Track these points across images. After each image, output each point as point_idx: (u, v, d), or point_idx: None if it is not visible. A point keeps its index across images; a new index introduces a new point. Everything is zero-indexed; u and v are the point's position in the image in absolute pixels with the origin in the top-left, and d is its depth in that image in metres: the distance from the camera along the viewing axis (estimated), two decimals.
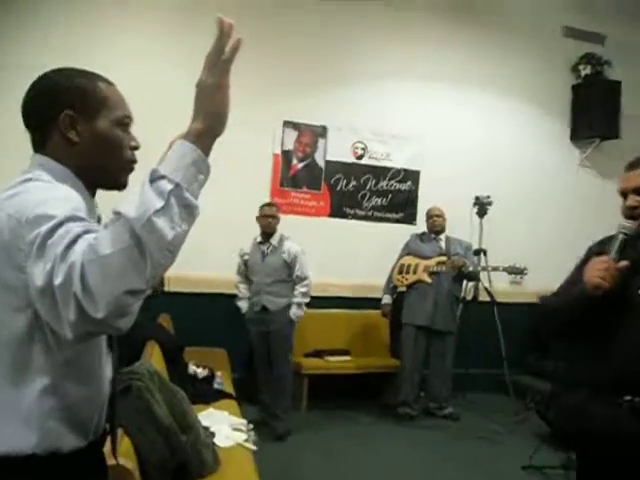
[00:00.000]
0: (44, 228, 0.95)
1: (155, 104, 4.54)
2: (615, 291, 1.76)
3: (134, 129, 1.28)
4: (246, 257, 4.58)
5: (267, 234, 4.50)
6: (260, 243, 4.55)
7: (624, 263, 1.77)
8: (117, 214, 0.92)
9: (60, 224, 0.96)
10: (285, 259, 4.46)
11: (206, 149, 1.00)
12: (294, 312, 4.45)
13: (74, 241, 0.93)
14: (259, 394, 4.65)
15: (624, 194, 1.87)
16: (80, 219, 0.99)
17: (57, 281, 0.91)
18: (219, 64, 1.00)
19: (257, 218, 4.55)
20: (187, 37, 5.06)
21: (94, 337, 1.11)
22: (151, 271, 0.92)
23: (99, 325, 0.91)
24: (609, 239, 1.89)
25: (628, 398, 1.72)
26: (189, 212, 0.96)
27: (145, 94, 4.12)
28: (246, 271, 4.60)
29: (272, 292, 4.45)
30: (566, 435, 2.05)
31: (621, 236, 1.82)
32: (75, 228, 0.95)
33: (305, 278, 4.48)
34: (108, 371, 1.26)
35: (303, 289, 4.47)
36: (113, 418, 1.33)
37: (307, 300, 4.52)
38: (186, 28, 5.13)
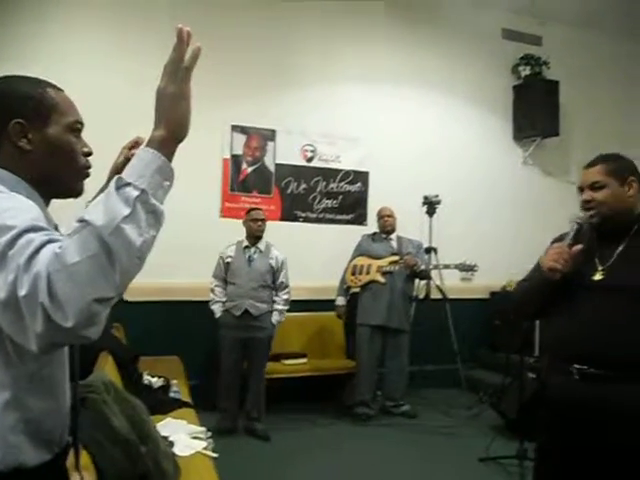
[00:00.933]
0: (3, 239, 0.93)
1: (104, 111, 4.44)
2: (571, 275, 1.97)
3: (85, 136, 1.26)
4: (228, 260, 4.55)
5: (256, 238, 4.54)
6: (246, 247, 4.56)
7: (577, 247, 1.97)
8: (83, 222, 0.91)
9: (20, 234, 0.93)
10: (272, 265, 4.52)
11: (169, 155, 1.01)
12: (277, 318, 4.52)
13: (37, 251, 0.91)
14: (220, 401, 4.56)
15: (581, 189, 2.07)
16: (41, 229, 0.97)
17: (22, 292, 0.88)
18: (179, 72, 1.01)
19: (244, 222, 4.60)
20: (135, 44, 5.02)
21: (59, 348, 1.10)
22: (120, 278, 0.91)
23: (68, 335, 0.90)
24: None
25: (577, 367, 1.93)
26: (156, 218, 0.97)
27: (94, 101, 4.03)
28: (225, 274, 4.56)
29: (255, 297, 4.46)
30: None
31: (575, 225, 2.03)
32: (37, 238, 0.93)
33: (287, 285, 4.58)
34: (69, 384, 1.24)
35: (285, 296, 4.56)
36: (75, 430, 1.30)
37: (287, 307, 4.60)
38: (135, 34, 5.08)
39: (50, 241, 0.93)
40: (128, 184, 0.94)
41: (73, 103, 1.24)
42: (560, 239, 2.11)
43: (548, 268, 1.96)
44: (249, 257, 4.54)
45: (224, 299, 4.54)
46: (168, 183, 1.00)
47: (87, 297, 0.88)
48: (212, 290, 4.60)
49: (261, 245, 4.57)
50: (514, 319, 4.50)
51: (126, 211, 0.92)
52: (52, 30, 4.93)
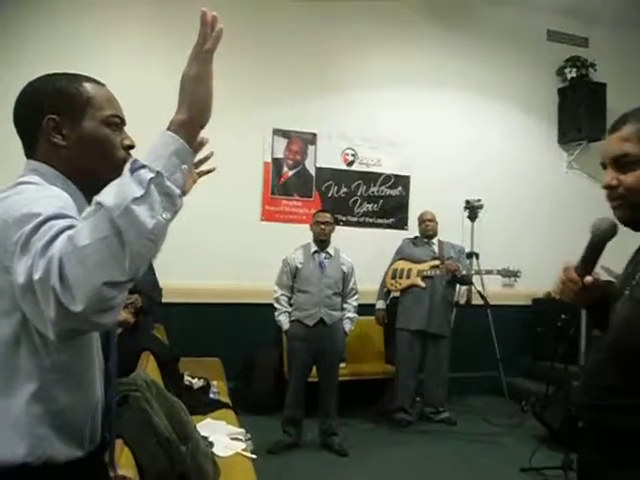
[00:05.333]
0: (29, 226, 0.94)
1: (145, 107, 4.50)
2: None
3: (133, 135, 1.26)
4: (299, 266, 4.31)
5: (321, 242, 4.35)
6: (315, 252, 4.37)
7: (588, 279, 1.43)
8: (96, 204, 0.92)
9: (45, 221, 0.95)
10: (344, 270, 4.37)
11: (190, 138, 1.01)
12: (349, 327, 4.35)
13: (56, 236, 0.92)
14: (287, 415, 4.31)
15: (604, 166, 1.41)
16: (65, 216, 0.98)
17: (36, 276, 0.89)
18: (200, 54, 1.02)
19: (311, 226, 4.44)
20: (175, 41, 5.03)
21: (76, 335, 1.06)
22: (131, 261, 0.90)
23: (79, 320, 0.89)
24: None
25: None
26: (171, 201, 0.96)
27: (134, 97, 4.10)
28: (292, 281, 4.35)
29: (330, 305, 4.26)
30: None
31: (591, 237, 1.46)
32: (59, 224, 0.94)
33: (357, 292, 4.45)
34: (101, 378, 1.23)
35: (355, 303, 4.41)
36: (110, 427, 1.29)
37: (356, 314, 4.44)
38: (174, 32, 5.08)
39: (70, 227, 0.93)
40: (143, 166, 0.94)
41: (112, 97, 1.24)
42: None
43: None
44: (320, 263, 4.31)
45: (290, 309, 4.32)
46: (186, 166, 0.99)
47: (96, 280, 0.87)
48: (277, 300, 4.33)
49: (330, 250, 4.37)
50: None
51: (138, 192, 0.91)
52: (89, 28, 5.00)
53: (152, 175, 0.93)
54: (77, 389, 1.14)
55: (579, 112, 6.27)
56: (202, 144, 1.23)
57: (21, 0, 4.87)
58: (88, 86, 1.20)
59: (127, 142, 1.23)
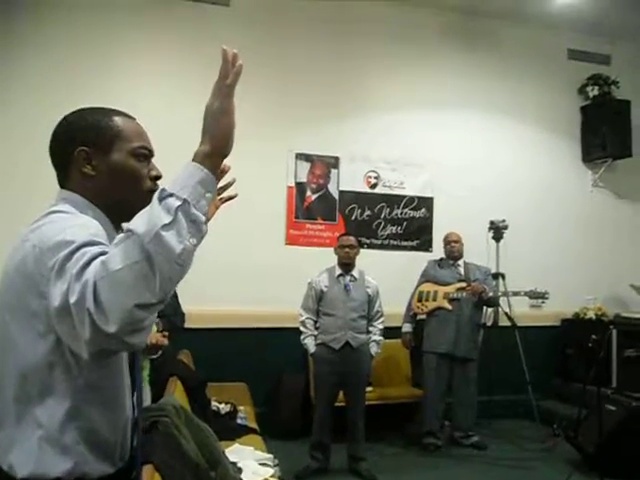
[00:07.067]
0: (63, 253, 1.01)
1: (173, 138, 4.57)
2: None
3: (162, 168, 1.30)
4: (324, 289, 4.32)
5: (345, 265, 4.35)
6: (340, 275, 4.37)
7: None
8: (127, 231, 0.97)
9: (78, 248, 1.01)
10: (369, 293, 4.35)
11: (213, 169, 1.06)
12: (375, 350, 4.32)
13: (89, 262, 0.98)
14: (314, 442, 4.28)
15: None
16: (97, 243, 1.04)
17: (72, 299, 0.95)
18: (223, 89, 1.07)
19: (335, 249, 4.45)
20: (203, 74, 5.15)
21: (109, 356, 1.14)
22: (160, 284, 0.95)
23: (112, 340, 0.95)
24: None
25: None
26: (197, 227, 1.01)
27: (163, 129, 4.16)
28: (317, 305, 4.35)
29: (355, 328, 4.23)
30: None
31: None
32: (92, 250, 1.00)
33: (383, 314, 4.42)
34: (129, 397, 1.27)
35: (381, 325, 4.38)
36: (136, 446, 1.32)
37: (382, 337, 4.40)
38: (202, 64, 5.20)
39: (102, 253, 0.99)
40: (171, 195, 0.99)
41: (141, 130, 1.30)
42: None
43: None
44: (345, 286, 4.30)
45: (316, 332, 4.31)
46: (210, 195, 1.05)
47: (128, 303, 0.93)
48: (303, 323, 4.33)
49: (355, 273, 4.36)
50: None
51: (167, 219, 0.96)
52: (122, 64, 5.16)
53: (179, 203, 0.98)
54: (108, 408, 1.18)
55: (603, 130, 6.23)
56: (224, 172, 1.31)
57: (58, 23, 5.03)
58: (118, 120, 1.27)
59: (154, 173, 1.28)
